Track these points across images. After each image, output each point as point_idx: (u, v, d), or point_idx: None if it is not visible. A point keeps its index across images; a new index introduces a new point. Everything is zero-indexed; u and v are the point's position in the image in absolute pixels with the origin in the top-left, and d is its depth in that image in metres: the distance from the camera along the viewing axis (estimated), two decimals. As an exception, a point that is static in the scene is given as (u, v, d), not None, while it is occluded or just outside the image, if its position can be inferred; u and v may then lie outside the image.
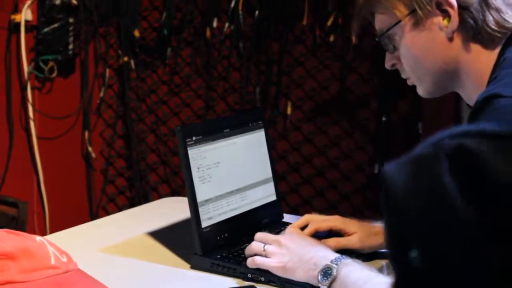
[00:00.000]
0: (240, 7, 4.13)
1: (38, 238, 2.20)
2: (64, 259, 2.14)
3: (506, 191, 1.05)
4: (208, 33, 4.23)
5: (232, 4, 4.13)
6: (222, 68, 4.27)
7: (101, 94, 4.45)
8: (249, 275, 2.37)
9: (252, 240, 2.46)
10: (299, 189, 4.22)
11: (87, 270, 2.15)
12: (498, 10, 2.09)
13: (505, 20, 2.09)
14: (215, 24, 4.22)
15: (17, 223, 3.55)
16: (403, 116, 3.94)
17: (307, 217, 2.66)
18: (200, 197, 2.50)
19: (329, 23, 3.94)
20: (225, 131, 2.67)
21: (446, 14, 2.11)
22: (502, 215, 1.05)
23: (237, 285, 2.32)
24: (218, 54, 4.26)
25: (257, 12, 4.12)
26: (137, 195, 4.43)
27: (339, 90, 4.08)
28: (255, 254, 2.38)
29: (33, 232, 3.73)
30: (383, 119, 4.00)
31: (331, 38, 3.99)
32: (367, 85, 4.07)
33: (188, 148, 2.50)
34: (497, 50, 2.12)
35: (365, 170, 4.14)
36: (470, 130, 1.15)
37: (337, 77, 4.06)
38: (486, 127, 1.14)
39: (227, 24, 4.19)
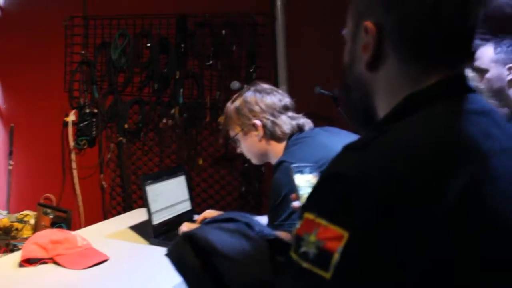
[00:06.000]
0: (176, 112, 4.04)
1: (72, 232, 2.40)
2: (85, 242, 2.34)
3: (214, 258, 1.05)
4: (160, 125, 4.11)
5: (172, 111, 4.04)
6: (168, 143, 4.16)
7: (109, 155, 4.31)
8: None
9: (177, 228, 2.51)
10: (207, 201, 4.11)
11: (99, 247, 2.33)
12: (280, 126, 2.26)
13: (285, 129, 2.26)
14: (164, 120, 4.09)
15: (66, 222, 3.58)
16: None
17: (205, 213, 2.76)
18: (152, 209, 2.59)
19: (219, 120, 3.87)
20: (164, 176, 2.75)
21: (256, 129, 2.29)
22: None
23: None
24: (166, 135, 4.15)
25: (185, 115, 4.04)
26: (126, 206, 4.25)
27: (225, 152, 4.04)
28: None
29: (74, 226, 3.82)
30: (245, 165, 3.93)
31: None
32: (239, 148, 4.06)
33: (146, 186, 2.58)
34: (284, 142, 2.28)
35: (238, 190, 4.05)
36: (208, 220, 1.21)
37: (223, 145, 4.03)
38: (220, 216, 1.19)
39: (170, 121, 4.08)
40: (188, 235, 1.12)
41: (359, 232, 0.72)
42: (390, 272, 0.72)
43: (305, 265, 0.75)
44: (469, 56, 0.89)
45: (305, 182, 1.38)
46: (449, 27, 0.84)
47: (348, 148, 0.82)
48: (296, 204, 1.43)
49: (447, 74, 0.87)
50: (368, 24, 0.88)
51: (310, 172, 1.40)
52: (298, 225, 0.79)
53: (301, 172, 1.39)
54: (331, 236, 0.73)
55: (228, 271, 1.03)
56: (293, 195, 1.41)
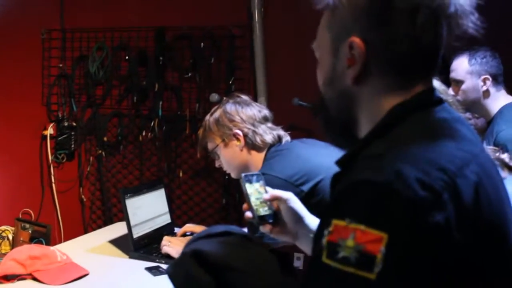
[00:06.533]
0: (156, 125, 4.02)
1: (51, 248, 2.38)
2: (64, 257, 2.31)
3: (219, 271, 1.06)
4: (140, 138, 4.11)
5: (152, 124, 4.02)
6: (148, 156, 4.15)
7: (88, 169, 4.29)
8: (157, 260, 2.41)
9: (159, 243, 2.51)
10: (187, 212, 4.08)
11: (79, 262, 2.32)
12: (261, 135, 2.29)
13: (265, 139, 2.29)
14: (144, 133, 4.08)
15: (46, 237, 3.56)
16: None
17: (185, 227, 2.76)
18: (132, 223, 2.58)
19: (198, 133, 3.94)
20: (144, 190, 2.75)
21: (237, 139, 2.31)
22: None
23: (151, 265, 2.37)
24: (145, 148, 4.14)
25: (164, 127, 4.02)
26: (107, 220, 4.23)
27: (205, 165, 3.97)
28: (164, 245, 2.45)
29: (54, 241, 3.79)
30: (226, 177, 3.81)
31: (200, 140, 3.99)
32: (218, 162, 4.02)
33: (126, 199, 2.58)
34: (264, 152, 2.31)
35: (219, 203, 4.01)
36: (201, 235, 1.21)
37: (203, 157, 3.90)
38: (211, 230, 1.19)
39: (150, 133, 4.06)
40: (194, 252, 1.12)
41: (397, 232, 0.78)
42: (429, 265, 0.79)
43: (347, 269, 0.79)
44: (436, 68, 0.97)
45: (254, 190, 1.38)
46: (429, 44, 0.92)
47: (365, 157, 0.89)
48: (248, 214, 1.38)
49: (425, 85, 0.95)
50: (356, 40, 0.92)
51: (257, 181, 1.39)
52: (326, 232, 0.82)
53: (249, 181, 1.39)
54: (371, 239, 0.78)
55: (243, 285, 1.06)
56: (245, 205, 1.38)
